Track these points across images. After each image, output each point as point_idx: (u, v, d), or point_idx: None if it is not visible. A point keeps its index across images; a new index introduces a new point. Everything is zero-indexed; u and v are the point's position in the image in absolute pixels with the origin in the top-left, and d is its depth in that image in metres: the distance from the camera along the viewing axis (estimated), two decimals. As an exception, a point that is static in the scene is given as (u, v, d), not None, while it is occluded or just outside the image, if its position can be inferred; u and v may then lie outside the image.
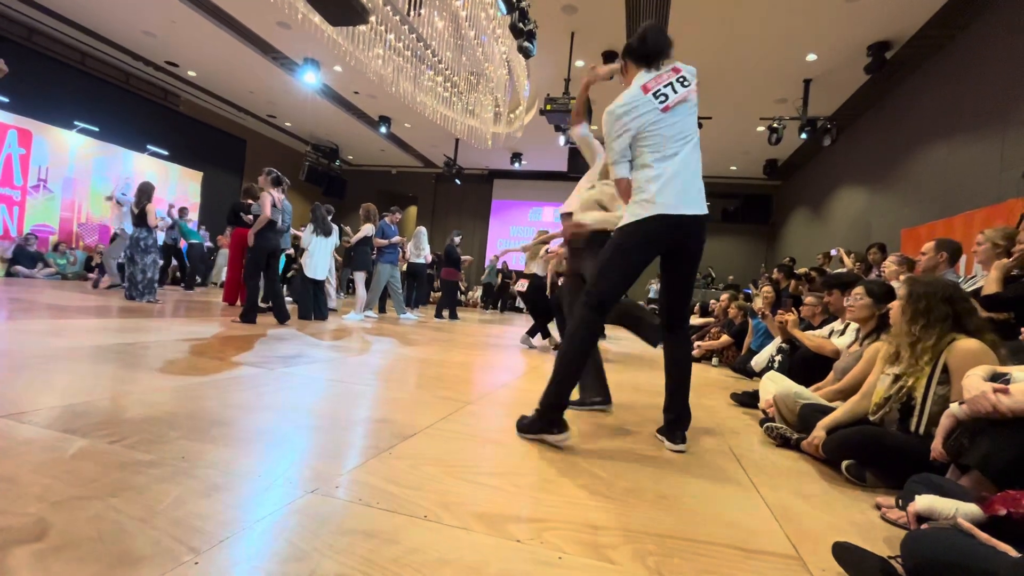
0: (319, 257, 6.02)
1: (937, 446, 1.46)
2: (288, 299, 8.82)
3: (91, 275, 9.44)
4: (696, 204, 1.88)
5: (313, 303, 5.89)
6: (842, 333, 2.90)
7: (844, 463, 1.86)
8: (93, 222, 10.31)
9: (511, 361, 4.22)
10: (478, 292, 14.93)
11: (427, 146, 14.29)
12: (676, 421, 2.04)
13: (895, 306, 1.93)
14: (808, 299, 3.70)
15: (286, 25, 8.12)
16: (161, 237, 7.58)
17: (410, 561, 0.99)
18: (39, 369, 2.21)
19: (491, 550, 1.07)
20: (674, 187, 1.85)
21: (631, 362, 4.92)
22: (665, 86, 1.92)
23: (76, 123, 9.85)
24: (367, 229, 6.56)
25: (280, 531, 1.06)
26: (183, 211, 9.41)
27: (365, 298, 6.69)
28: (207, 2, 7.83)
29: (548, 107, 8.31)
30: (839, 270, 5.63)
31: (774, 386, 2.70)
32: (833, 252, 6.36)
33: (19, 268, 8.49)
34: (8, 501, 1.04)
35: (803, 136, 8.74)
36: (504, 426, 2.11)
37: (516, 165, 14.45)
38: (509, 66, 7.75)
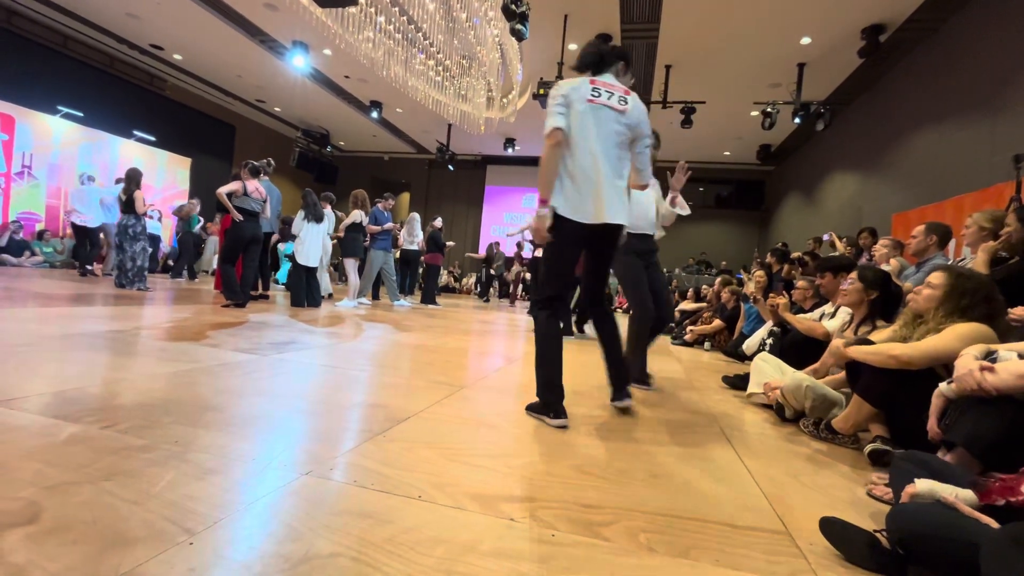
0: (311, 244, 5.98)
1: (932, 426, 1.49)
2: (281, 286, 8.81)
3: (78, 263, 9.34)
4: (608, 213, 2.09)
5: (306, 290, 5.86)
6: (832, 316, 2.93)
7: (868, 447, 1.88)
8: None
9: (505, 347, 4.23)
10: (472, 279, 14.91)
11: (419, 132, 14.14)
12: (617, 381, 2.25)
13: (925, 293, 1.93)
14: (800, 283, 3.73)
15: (273, 7, 7.96)
16: (151, 225, 7.50)
17: (404, 540, 1.00)
18: (29, 357, 2.19)
19: (484, 528, 1.09)
20: None
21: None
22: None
23: (60, 108, 9.64)
24: (356, 215, 6.51)
25: (275, 512, 1.06)
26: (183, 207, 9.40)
27: (357, 285, 6.66)
28: (192, -17, 7.63)
29: (541, 91, 8.23)
30: (831, 254, 5.67)
31: (767, 366, 2.73)
32: (825, 237, 6.40)
33: (6, 257, 8.36)
34: (0, 486, 1.03)
35: (797, 121, 8.73)
36: (498, 410, 2.12)
37: (509, 150, 14.36)
38: (502, 49, 7.65)
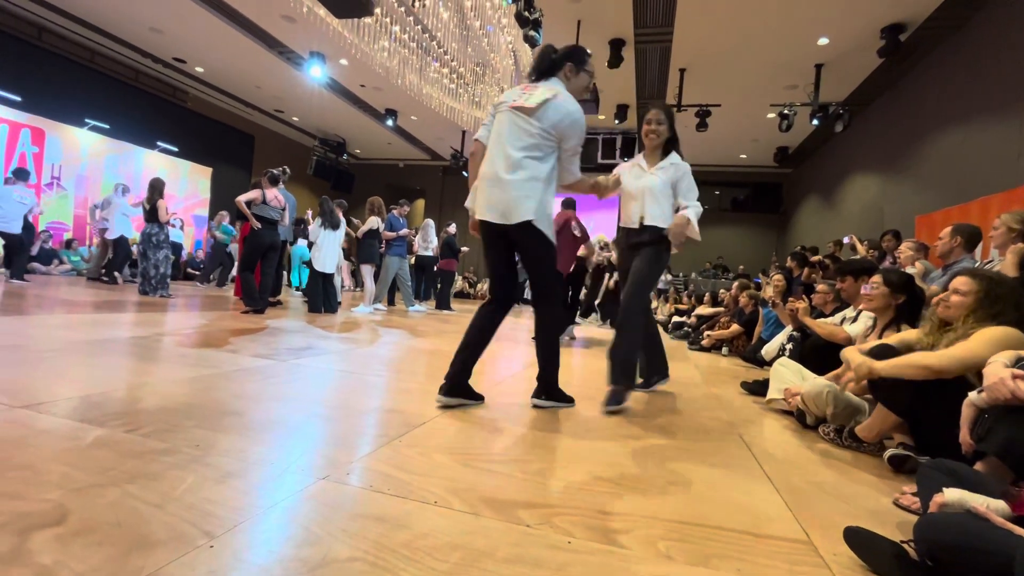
0: (327, 250, 6.06)
1: (965, 438, 1.44)
2: (298, 293, 8.93)
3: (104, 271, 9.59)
4: (495, 213, 2.09)
5: (322, 296, 5.93)
6: (854, 320, 2.87)
7: (888, 452, 1.84)
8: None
9: (519, 352, 4.22)
10: (486, 284, 14.94)
11: (434, 139, 14.27)
12: (538, 381, 2.28)
13: (954, 300, 1.88)
14: (820, 286, 3.66)
15: (291, 19, 8.12)
16: (173, 233, 7.69)
17: (421, 545, 1.00)
18: (56, 362, 2.25)
19: (501, 535, 1.08)
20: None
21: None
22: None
23: (87, 121, 9.95)
24: (372, 222, 6.58)
25: (293, 516, 1.07)
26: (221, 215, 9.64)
27: (373, 291, 6.72)
28: (213, -3, 7.84)
29: (555, 97, 8.24)
30: (852, 258, 5.56)
31: (787, 372, 2.68)
32: (845, 240, 6.28)
33: (36, 265, 8.62)
34: (29, 488, 1.06)
35: (815, 122, 8.61)
36: (512, 415, 2.11)
37: (523, 156, 14.37)
38: (515, 56, 7.69)
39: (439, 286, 8.95)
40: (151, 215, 6.12)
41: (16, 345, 2.52)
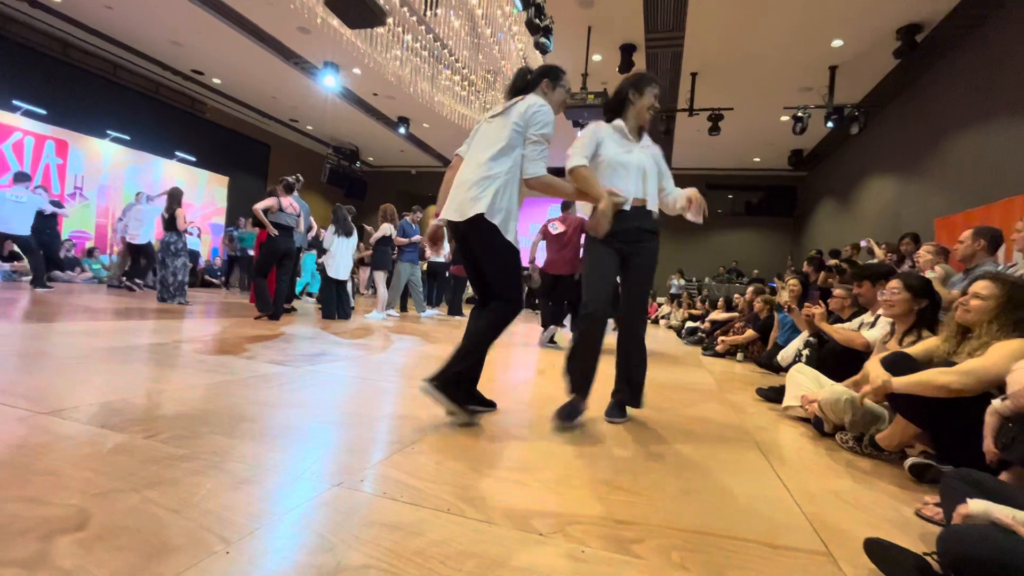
0: (341, 257, 6.12)
1: (989, 447, 1.41)
2: (311, 299, 9.02)
3: (124, 279, 9.80)
4: (453, 211, 2.00)
5: (336, 303, 5.99)
6: (872, 325, 2.82)
7: (909, 461, 1.80)
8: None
9: (530, 358, 4.21)
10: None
11: (446, 146, 14.36)
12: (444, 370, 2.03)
13: (974, 305, 1.84)
14: (837, 291, 3.60)
15: (306, 30, 8.26)
16: (190, 241, 7.84)
17: (434, 553, 1.00)
18: (78, 368, 2.30)
19: (515, 543, 1.08)
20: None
21: (651, 358, 4.86)
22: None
23: (109, 132, 10.20)
24: (385, 228, 6.64)
25: (308, 523, 1.08)
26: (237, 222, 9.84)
27: (386, 297, 6.77)
28: (231, 11, 8.01)
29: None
30: (869, 261, 5.47)
31: (804, 378, 2.64)
32: (863, 243, 6.18)
33: (58, 273, 8.84)
34: (52, 493, 1.09)
35: (829, 125, 8.51)
36: (525, 422, 2.11)
37: (534, 162, 14.40)
38: (526, 63, 7.73)
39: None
40: (169, 224, 6.24)
41: (40, 352, 2.58)
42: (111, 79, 10.38)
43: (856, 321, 3.04)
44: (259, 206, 5.24)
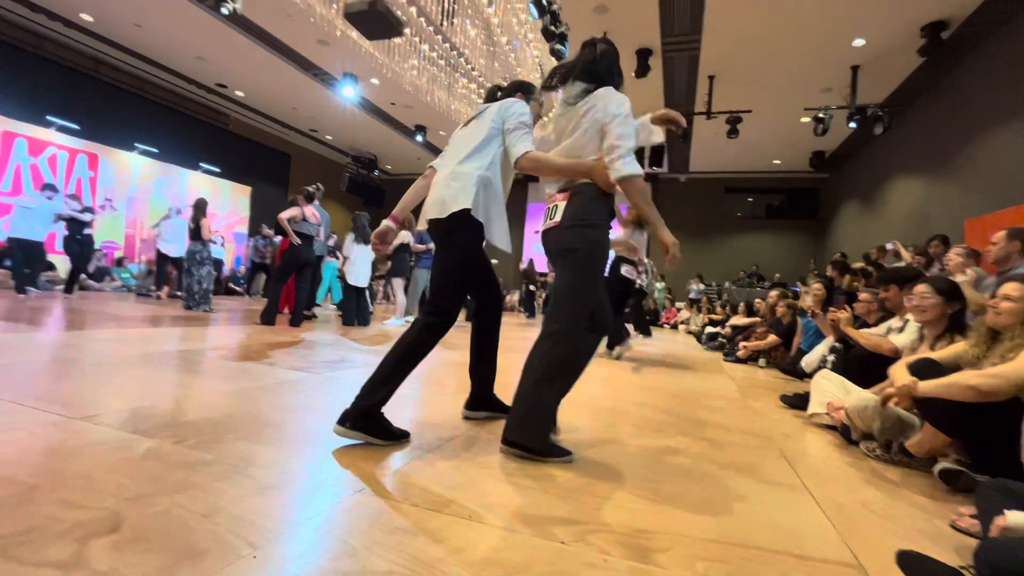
0: (360, 265, 6.20)
1: None
2: (332, 307, 9.15)
3: (151, 287, 10.08)
4: (433, 209, 1.85)
5: (356, 310, 6.06)
6: (901, 330, 2.74)
7: (938, 466, 1.75)
8: (152, 237, 10.98)
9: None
10: (516, 295, 14.98)
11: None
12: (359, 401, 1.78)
13: (1005, 307, 1.79)
14: (863, 295, 3.51)
15: (325, 42, 8.43)
16: (215, 250, 8.03)
17: (456, 560, 1.00)
18: (108, 375, 2.37)
19: (535, 551, 1.07)
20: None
21: (671, 364, 4.81)
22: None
23: (137, 145, 10.54)
24: (403, 236, 6.71)
25: (331, 529, 1.09)
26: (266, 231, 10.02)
27: (404, 304, 6.83)
28: (253, 25, 8.23)
29: (582, 108, 8.26)
30: (896, 264, 5.33)
31: (830, 385, 2.58)
32: (889, 246, 6.02)
33: (90, 282, 9.13)
34: (87, 496, 1.12)
35: (852, 125, 8.36)
36: (545, 428, 2.10)
37: (550, 168, 14.41)
38: (541, 70, 7.76)
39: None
40: (195, 233, 6.40)
41: (72, 359, 2.67)
42: (139, 94, 10.74)
43: (883, 326, 2.97)
44: (284, 215, 5.34)
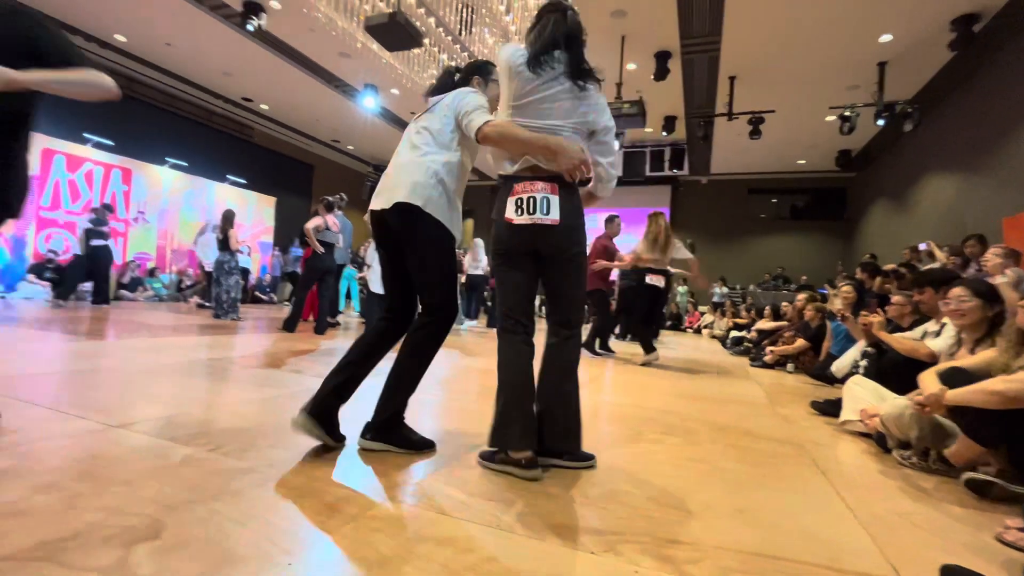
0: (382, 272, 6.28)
1: None
2: (355, 314, 9.28)
3: (191, 300, 10.41)
4: (380, 199, 1.71)
5: (378, 316, 6.14)
6: (937, 334, 2.65)
7: (965, 475, 1.69)
8: (184, 248, 11.31)
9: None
10: (536, 301, 14.95)
11: (480, 160, 14.56)
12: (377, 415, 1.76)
13: None
14: (896, 298, 3.41)
15: (347, 55, 8.60)
16: (242, 260, 8.24)
17: (487, 570, 1.01)
18: (144, 383, 2.45)
19: (566, 561, 1.07)
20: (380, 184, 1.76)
21: (696, 370, 4.74)
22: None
23: (167, 159, 10.91)
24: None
25: (363, 537, 1.11)
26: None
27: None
28: (277, 40, 8.46)
29: (600, 113, 8.24)
30: (930, 265, 5.17)
31: (863, 391, 2.51)
32: (922, 246, 5.84)
33: (124, 292, 9.45)
34: (128, 503, 1.16)
35: (880, 123, 8.14)
36: (570, 436, 2.09)
37: (569, 173, 14.40)
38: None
39: (489, 304, 9.05)
40: (223, 244, 6.58)
41: (110, 368, 2.77)
42: (170, 110, 11.13)
43: (919, 330, 2.87)
44: (310, 225, 5.46)
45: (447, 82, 1.93)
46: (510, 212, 1.62)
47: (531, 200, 1.61)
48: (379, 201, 1.71)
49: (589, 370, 4.17)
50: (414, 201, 1.62)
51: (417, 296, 1.77)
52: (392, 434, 1.73)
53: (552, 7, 1.73)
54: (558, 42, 1.65)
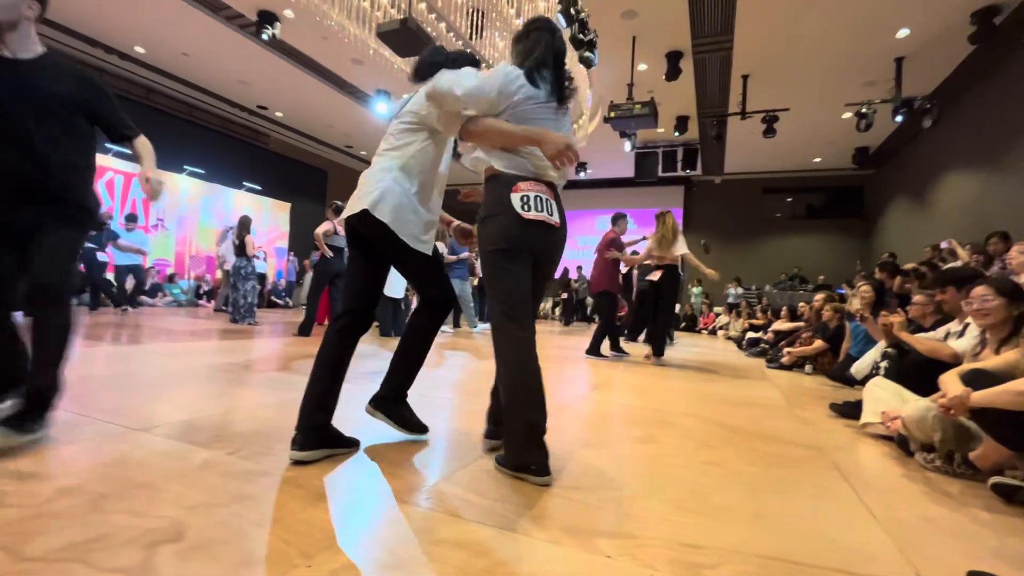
0: (395, 276, 6.33)
1: None
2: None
3: (200, 302, 10.58)
4: (351, 207, 1.73)
5: (392, 320, 6.18)
6: (960, 335, 2.59)
7: (992, 480, 1.65)
8: (201, 254, 11.52)
9: (584, 373, 4.17)
10: (549, 303, 14.94)
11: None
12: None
13: None
14: (917, 297, 3.34)
15: (359, 61, 8.70)
16: (258, 265, 8.37)
17: (502, 573, 1.01)
18: (163, 387, 2.49)
19: (581, 564, 1.07)
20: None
21: (711, 371, 4.69)
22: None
23: (185, 167, 11.13)
24: (438, 247, 6.82)
25: (379, 539, 1.11)
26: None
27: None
28: (291, 48, 8.59)
29: (612, 114, 8.23)
30: (952, 264, 5.05)
31: (884, 393, 2.46)
32: (944, 244, 5.71)
33: (144, 298, 9.65)
34: (150, 505, 1.18)
35: (898, 119, 8.01)
36: (584, 439, 2.09)
37: (581, 175, 14.40)
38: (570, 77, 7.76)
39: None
40: (240, 249, 6.68)
41: (130, 372, 2.83)
42: (187, 119, 11.35)
43: (942, 330, 2.81)
44: (319, 230, 5.54)
45: (427, 70, 1.76)
46: (518, 207, 1.59)
47: (537, 199, 1.61)
48: (349, 208, 1.73)
49: (603, 371, 4.15)
50: (377, 214, 1.63)
51: (378, 297, 1.85)
52: (391, 409, 1.88)
53: (541, 25, 1.77)
54: (547, 61, 1.70)
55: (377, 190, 1.67)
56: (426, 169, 1.77)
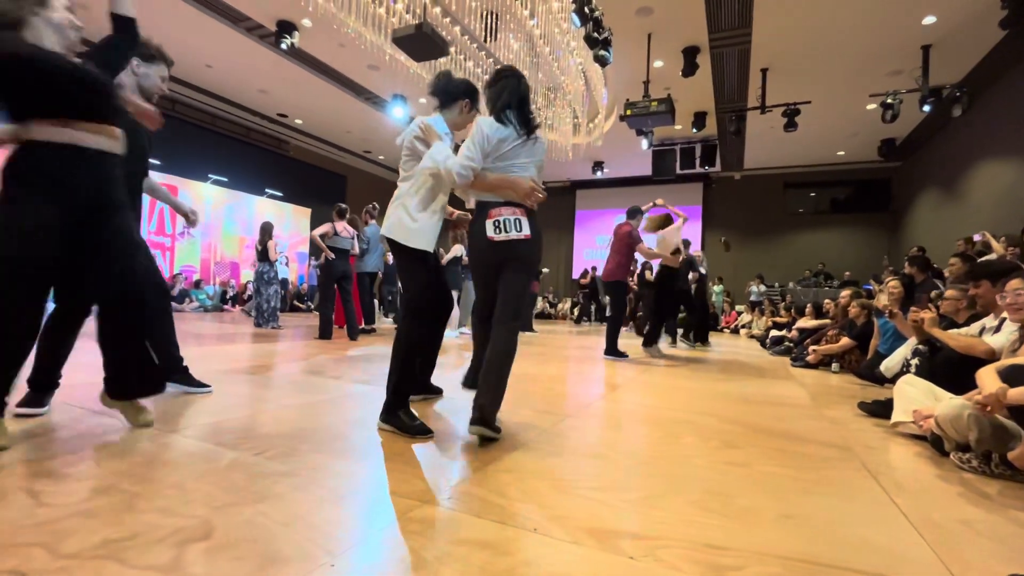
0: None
1: None
2: (388, 319, 9.45)
3: (225, 307, 10.84)
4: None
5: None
6: (997, 330, 2.49)
7: None
8: (226, 260, 11.80)
9: (604, 373, 4.14)
10: (567, 304, 14.89)
11: (509, 164, 14.65)
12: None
13: None
14: (950, 292, 3.23)
15: (375, 67, 8.82)
16: (280, 270, 8.53)
17: (524, 573, 1.00)
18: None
19: (604, 566, 1.06)
20: None
21: (734, 370, 4.61)
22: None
23: (209, 176, 11.42)
24: (457, 249, 6.85)
25: (401, 540, 1.12)
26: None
27: (458, 315, 6.95)
28: (309, 57, 8.75)
29: (628, 112, 8.18)
30: (986, 257, 4.88)
31: (915, 391, 2.39)
32: (977, 237, 5.52)
33: (172, 304, 9.92)
34: (180, 505, 1.21)
35: (926, 109, 7.77)
36: (604, 439, 2.07)
37: (598, 174, 14.33)
38: (585, 76, 7.75)
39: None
40: (262, 255, 6.82)
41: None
42: (211, 128, 11.65)
43: (976, 326, 2.71)
44: (316, 232, 5.65)
45: (444, 93, 2.36)
46: (490, 232, 2.01)
47: (506, 221, 2.00)
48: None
49: (622, 371, 4.11)
50: (391, 235, 2.16)
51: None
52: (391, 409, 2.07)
53: (507, 73, 2.14)
54: (512, 103, 2.07)
55: (393, 218, 2.22)
56: (421, 184, 2.24)
